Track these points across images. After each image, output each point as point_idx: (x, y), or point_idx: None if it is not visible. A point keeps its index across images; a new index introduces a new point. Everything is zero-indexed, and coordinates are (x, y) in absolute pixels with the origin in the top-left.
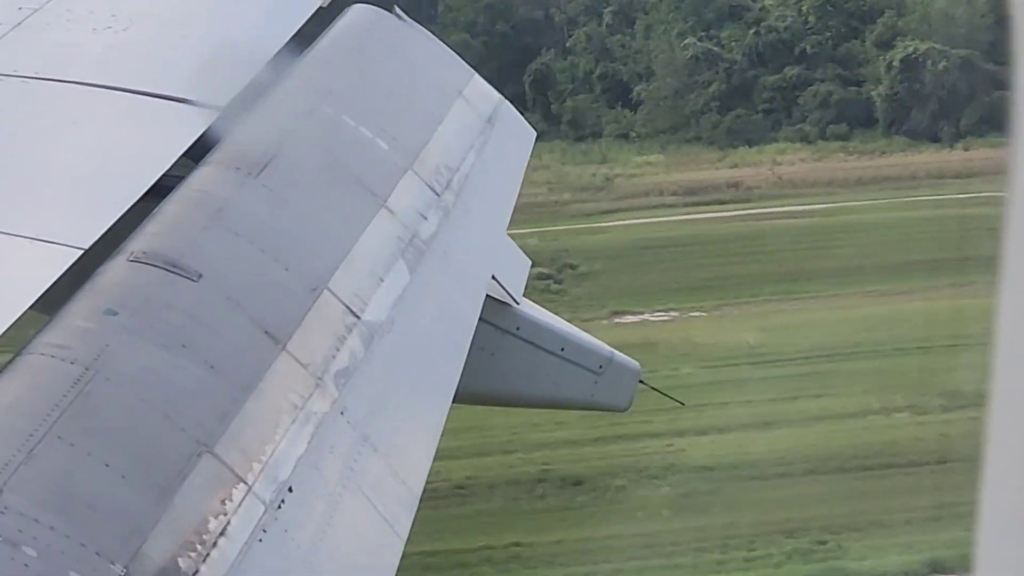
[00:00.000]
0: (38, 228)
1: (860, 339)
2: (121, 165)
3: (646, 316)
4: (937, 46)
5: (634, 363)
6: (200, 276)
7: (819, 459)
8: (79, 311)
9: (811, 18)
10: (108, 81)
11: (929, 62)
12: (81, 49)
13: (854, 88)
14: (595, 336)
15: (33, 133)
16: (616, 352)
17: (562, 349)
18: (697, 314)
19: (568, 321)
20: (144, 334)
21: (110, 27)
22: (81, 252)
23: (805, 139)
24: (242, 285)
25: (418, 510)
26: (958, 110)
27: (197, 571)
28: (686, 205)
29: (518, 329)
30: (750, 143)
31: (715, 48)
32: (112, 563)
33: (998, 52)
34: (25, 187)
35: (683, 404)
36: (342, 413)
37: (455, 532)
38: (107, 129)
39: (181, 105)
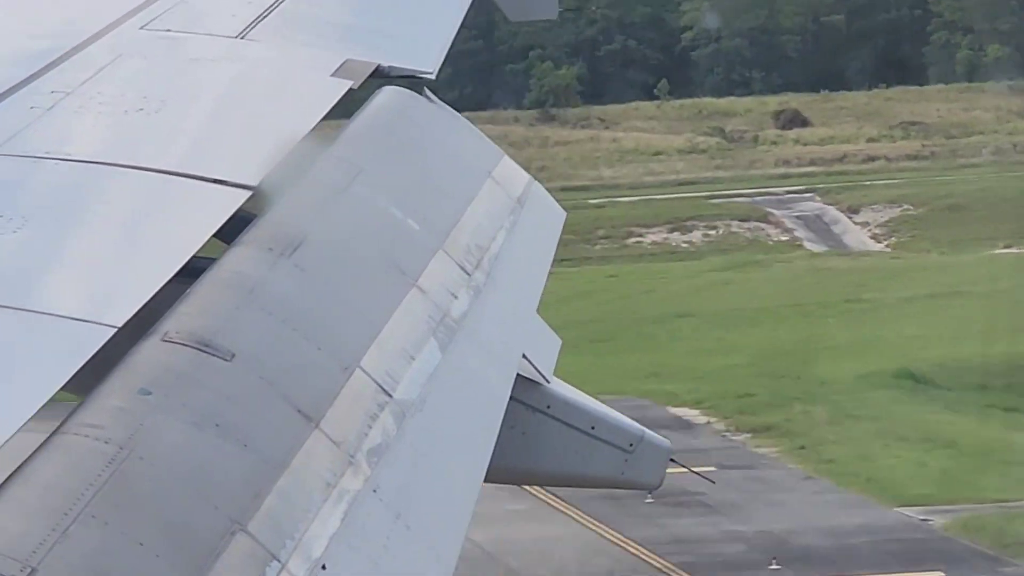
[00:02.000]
0: (71, 308)
1: None
2: (153, 245)
3: None
4: None
5: (665, 441)
6: (233, 356)
7: None
8: (113, 391)
9: None
10: (139, 162)
11: None
12: (113, 131)
13: None
14: None
15: (66, 214)
16: (647, 431)
17: (593, 428)
18: None
19: None
20: (178, 413)
21: (141, 109)
22: (114, 331)
23: None
24: (275, 364)
25: None
26: None
27: None
28: None
29: (549, 407)
30: None
31: None
32: None
33: None
34: (58, 267)
35: (714, 483)
36: (375, 491)
37: None
38: (138, 209)
39: (213, 185)
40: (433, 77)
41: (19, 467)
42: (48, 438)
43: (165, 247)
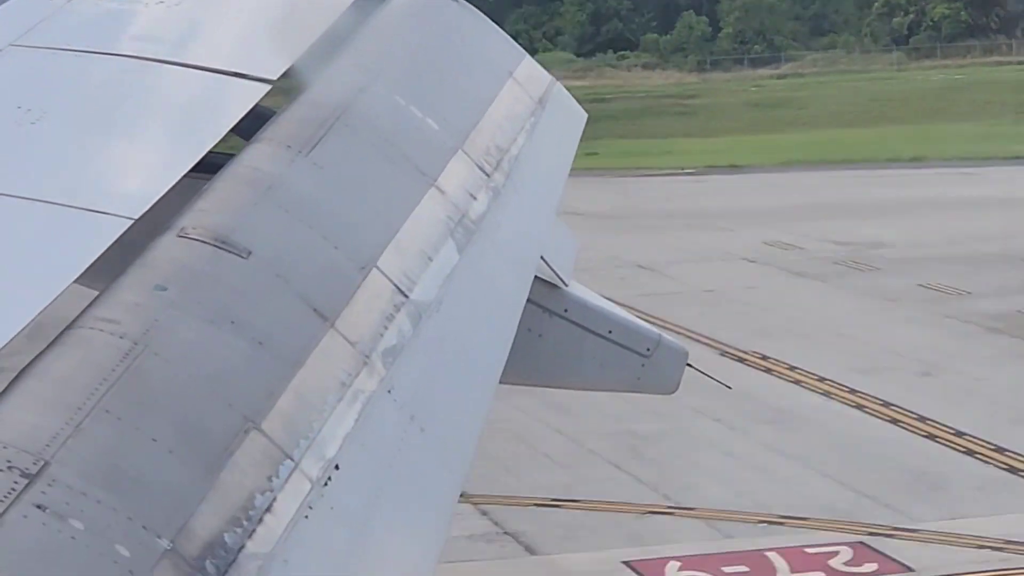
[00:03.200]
0: (89, 199)
1: None
2: (170, 138)
3: None
4: None
5: (682, 346)
6: (249, 253)
7: None
8: (128, 286)
9: None
10: (158, 54)
11: None
12: (132, 22)
13: None
14: None
15: (83, 105)
16: (664, 335)
17: (610, 332)
18: None
19: None
20: (193, 310)
21: (162, 2)
22: (131, 222)
23: None
24: (291, 262)
25: None
26: None
27: (243, 547)
28: None
29: (566, 311)
30: None
31: None
32: (159, 537)
33: None
34: (74, 158)
35: (730, 388)
36: (389, 391)
37: None
38: (156, 102)
39: (232, 79)
40: None
41: (33, 360)
42: (63, 331)
43: (182, 140)
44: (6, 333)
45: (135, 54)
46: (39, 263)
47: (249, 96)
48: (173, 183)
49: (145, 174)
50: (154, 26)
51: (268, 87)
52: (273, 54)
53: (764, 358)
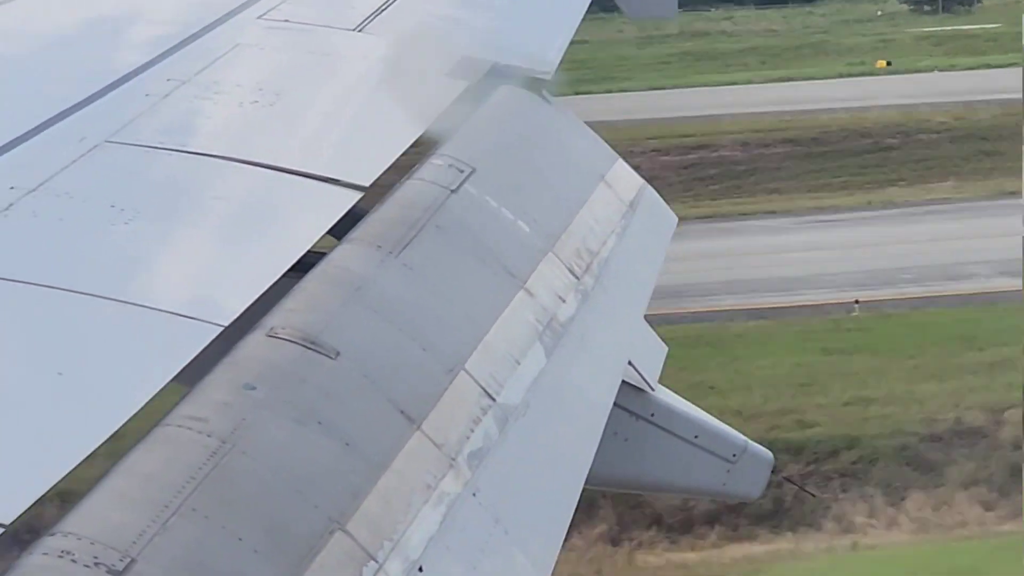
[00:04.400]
0: (179, 303)
1: None
2: (262, 243)
3: None
4: None
5: (767, 452)
6: (338, 353)
7: None
8: (217, 384)
9: None
10: (253, 157)
11: None
12: (228, 123)
13: None
14: None
15: (177, 207)
16: (750, 441)
17: (696, 437)
18: None
19: None
20: (281, 409)
21: (256, 102)
22: (220, 329)
23: None
24: (379, 364)
25: None
26: None
27: None
28: None
29: (652, 415)
30: None
31: None
32: None
33: None
34: (168, 261)
35: (815, 496)
36: (474, 494)
37: None
38: (249, 205)
39: (325, 185)
40: (550, 77)
41: (122, 457)
42: (151, 429)
43: (274, 246)
44: (96, 439)
45: (229, 155)
46: (129, 368)
47: (342, 203)
48: (263, 290)
49: (235, 280)
50: (249, 127)
51: (361, 194)
52: (368, 159)
53: None
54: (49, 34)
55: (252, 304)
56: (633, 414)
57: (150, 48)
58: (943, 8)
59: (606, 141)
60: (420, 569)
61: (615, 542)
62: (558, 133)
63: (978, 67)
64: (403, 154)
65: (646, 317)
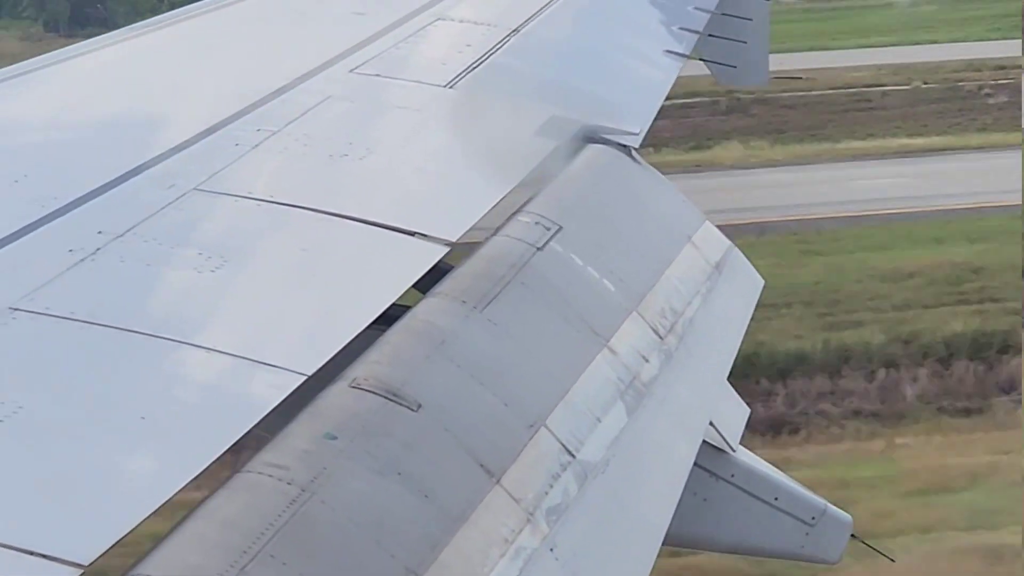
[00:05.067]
0: (263, 352)
1: None
2: (347, 295)
3: None
4: None
5: (846, 516)
6: (420, 406)
7: None
8: (299, 433)
9: None
10: (341, 209)
11: None
12: (316, 175)
13: None
14: None
15: (265, 258)
16: (829, 504)
17: (776, 499)
18: None
19: None
20: (361, 460)
21: (346, 155)
22: (304, 379)
23: None
24: (461, 417)
25: None
26: None
27: None
28: None
29: (733, 476)
30: None
31: None
32: None
33: None
34: (253, 312)
35: (893, 560)
36: (551, 550)
37: None
38: (336, 257)
39: (412, 239)
40: (639, 139)
41: (201, 502)
42: (232, 475)
43: (360, 298)
44: (175, 485)
45: (317, 207)
46: (211, 415)
47: (428, 257)
48: (347, 342)
49: (320, 330)
50: (338, 179)
51: (447, 249)
52: (455, 215)
53: None
54: (145, 81)
55: (336, 355)
56: (713, 474)
57: (242, 98)
58: None
59: None
60: None
61: None
62: (646, 193)
63: None
64: (490, 210)
65: None
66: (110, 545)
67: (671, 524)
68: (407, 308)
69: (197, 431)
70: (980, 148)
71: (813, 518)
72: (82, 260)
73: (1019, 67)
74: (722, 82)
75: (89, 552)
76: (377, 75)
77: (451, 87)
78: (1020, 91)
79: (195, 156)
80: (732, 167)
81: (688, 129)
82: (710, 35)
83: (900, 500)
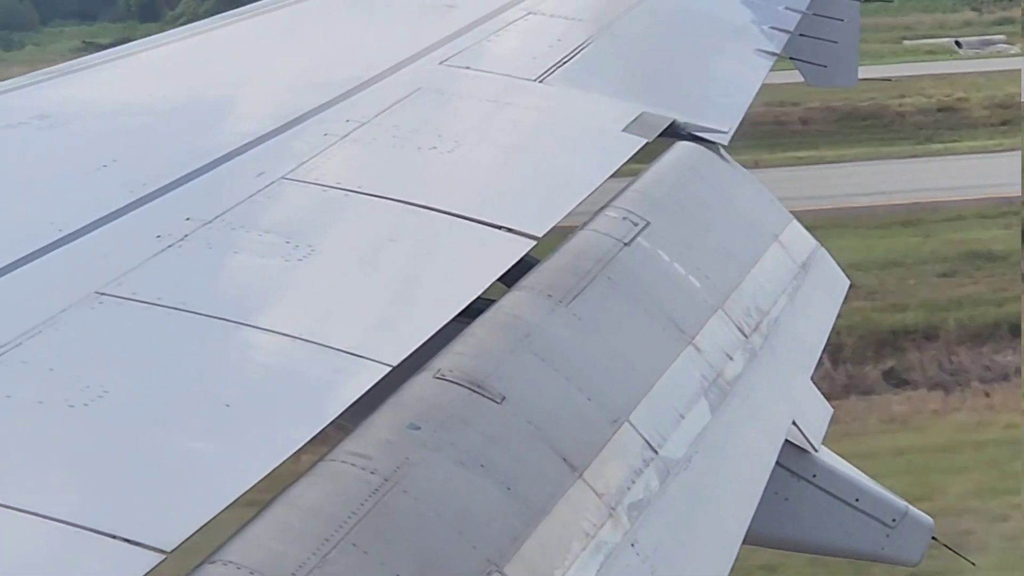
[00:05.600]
0: (349, 342)
1: None
2: (434, 287)
3: None
4: None
5: (928, 518)
6: (503, 398)
7: None
8: (382, 423)
9: None
10: (429, 201)
11: None
12: (405, 167)
13: None
14: None
15: (352, 247)
16: (911, 506)
17: (857, 500)
18: None
19: None
20: (444, 451)
21: (435, 147)
22: (389, 369)
23: None
24: (544, 411)
25: None
26: None
27: None
28: None
29: (814, 476)
30: None
31: None
32: None
33: None
34: (340, 299)
35: (974, 564)
36: (632, 545)
37: None
38: (424, 249)
39: (499, 232)
40: (728, 137)
41: (284, 489)
42: (315, 463)
43: (446, 290)
44: (259, 473)
45: (405, 198)
46: (296, 403)
47: (514, 251)
48: (432, 332)
49: (407, 321)
50: (426, 171)
51: (534, 243)
52: (542, 209)
53: None
54: (235, 69)
55: (421, 347)
56: (795, 474)
57: (331, 88)
58: None
59: None
60: None
61: None
62: (734, 191)
63: None
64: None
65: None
66: (193, 531)
67: (752, 523)
68: (492, 302)
69: (281, 419)
70: None
71: (894, 520)
72: (169, 246)
73: None
74: (812, 83)
75: (172, 538)
76: (467, 67)
77: (541, 81)
78: None
79: (284, 145)
80: None
81: None
82: (801, 35)
83: None
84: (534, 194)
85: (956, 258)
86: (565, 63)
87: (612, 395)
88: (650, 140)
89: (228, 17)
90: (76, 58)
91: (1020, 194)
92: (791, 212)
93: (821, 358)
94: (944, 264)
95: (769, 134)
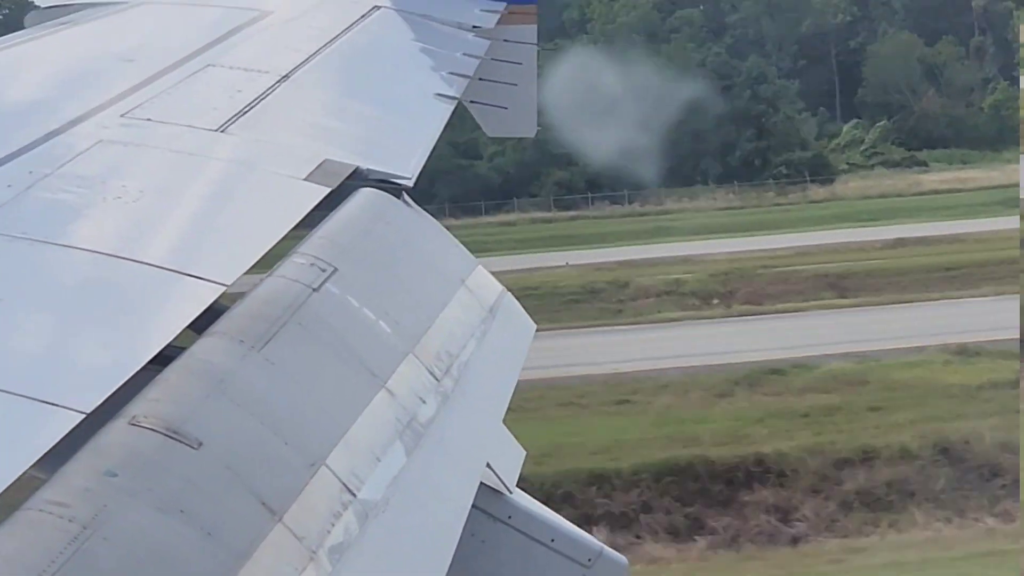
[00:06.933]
0: (41, 390)
1: None
2: (124, 333)
3: None
4: None
5: (622, 558)
6: (200, 444)
7: None
8: (78, 471)
9: None
10: (117, 251)
11: None
12: (93, 217)
13: None
14: None
15: (40, 295)
16: (605, 547)
17: (552, 540)
18: None
19: None
20: (143, 497)
21: (120, 197)
22: (82, 416)
23: None
24: (241, 455)
25: None
26: None
27: None
28: None
29: (510, 518)
30: None
31: None
32: None
33: None
34: (30, 348)
35: None
36: None
37: None
38: (112, 297)
39: (188, 279)
40: (411, 182)
41: None
42: (12, 513)
43: (137, 336)
44: None
45: (93, 248)
46: None
47: (204, 297)
48: (126, 379)
49: (97, 368)
50: (114, 221)
51: (223, 289)
52: (230, 257)
53: None
54: None
55: (113, 394)
56: (491, 516)
57: (11, 142)
58: None
59: None
60: None
61: None
62: (419, 237)
63: None
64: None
65: None
66: None
67: (452, 564)
68: (184, 349)
69: None
70: None
71: (589, 559)
72: None
73: None
74: (491, 132)
75: None
76: (149, 119)
77: (223, 131)
78: None
79: None
80: None
81: None
82: (480, 79)
83: None
84: (221, 242)
85: None
86: (246, 112)
87: (308, 439)
88: (333, 188)
89: None
90: None
91: None
92: None
93: None
94: None
95: None
